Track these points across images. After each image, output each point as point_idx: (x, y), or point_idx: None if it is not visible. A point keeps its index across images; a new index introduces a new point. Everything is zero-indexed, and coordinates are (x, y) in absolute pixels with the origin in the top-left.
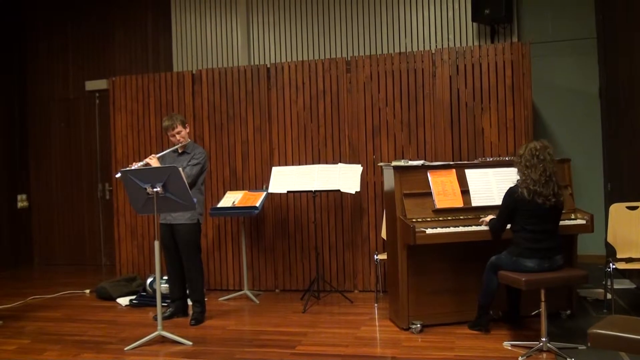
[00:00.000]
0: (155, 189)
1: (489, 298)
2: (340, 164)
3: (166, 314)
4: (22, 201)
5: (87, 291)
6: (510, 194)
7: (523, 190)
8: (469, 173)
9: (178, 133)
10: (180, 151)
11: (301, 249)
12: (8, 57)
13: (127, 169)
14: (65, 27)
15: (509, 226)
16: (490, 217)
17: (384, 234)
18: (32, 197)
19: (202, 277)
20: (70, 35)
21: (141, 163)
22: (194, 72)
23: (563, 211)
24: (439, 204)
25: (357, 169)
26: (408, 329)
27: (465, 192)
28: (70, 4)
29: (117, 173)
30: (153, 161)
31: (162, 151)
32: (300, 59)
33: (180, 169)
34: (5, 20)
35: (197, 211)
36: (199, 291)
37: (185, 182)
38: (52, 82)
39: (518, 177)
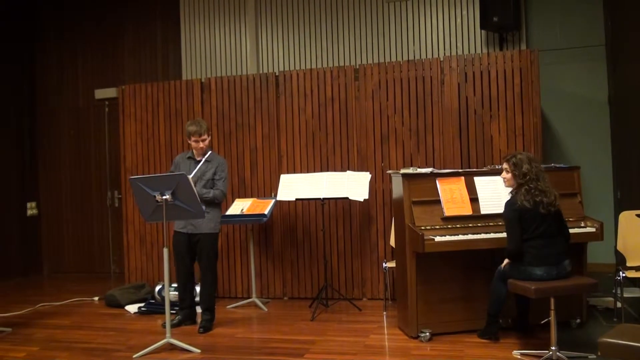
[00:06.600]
0: (164, 197)
1: (498, 307)
2: (348, 172)
3: (174, 322)
4: (31, 209)
5: (96, 298)
6: (511, 206)
7: (523, 202)
8: (478, 181)
9: (203, 141)
10: (197, 159)
11: (310, 257)
12: (18, 65)
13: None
14: (75, 36)
15: None
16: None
17: (392, 242)
18: (42, 205)
19: (216, 286)
20: (80, 43)
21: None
22: (203, 80)
23: (565, 217)
24: (447, 212)
25: (365, 177)
26: (417, 337)
27: (474, 199)
28: (80, 13)
29: (128, 180)
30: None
31: (190, 170)
32: (308, 66)
33: (190, 177)
34: (15, 29)
35: (217, 221)
36: (211, 299)
37: (195, 189)
38: (62, 91)
39: (514, 190)
